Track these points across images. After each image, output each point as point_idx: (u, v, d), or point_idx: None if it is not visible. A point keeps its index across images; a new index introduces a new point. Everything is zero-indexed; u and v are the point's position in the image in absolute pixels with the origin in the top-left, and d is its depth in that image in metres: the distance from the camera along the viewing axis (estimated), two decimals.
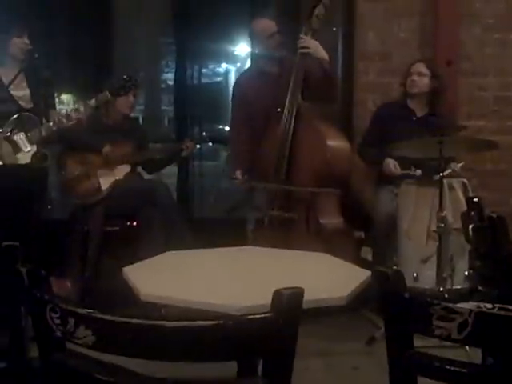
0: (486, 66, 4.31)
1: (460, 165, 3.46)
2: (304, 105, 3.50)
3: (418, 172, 3.47)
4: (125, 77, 3.66)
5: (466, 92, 4.30)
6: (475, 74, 4.32)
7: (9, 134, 3.48)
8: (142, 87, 3.96)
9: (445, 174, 3.15)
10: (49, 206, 3.57)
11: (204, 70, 5.69)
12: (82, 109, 3.54)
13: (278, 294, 1.10)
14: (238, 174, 3.73)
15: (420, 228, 3.25)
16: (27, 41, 3.59)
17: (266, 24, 3.73)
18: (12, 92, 3.57)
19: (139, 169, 4.11)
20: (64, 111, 3.64)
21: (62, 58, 5.04)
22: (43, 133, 3.51)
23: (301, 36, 3.47)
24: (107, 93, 3.56)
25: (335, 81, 3.73)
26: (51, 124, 3.51)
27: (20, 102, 3.59)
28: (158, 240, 3.53)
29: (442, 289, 3.09)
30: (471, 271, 3.01)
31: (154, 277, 2.07)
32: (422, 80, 3.77)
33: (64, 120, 3.50)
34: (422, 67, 3.79)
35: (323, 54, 3.48)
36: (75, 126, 3.56)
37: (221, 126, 6.69)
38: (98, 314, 1.13)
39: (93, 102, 3.55)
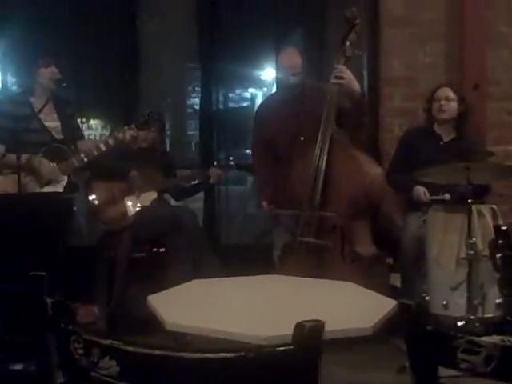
0: None
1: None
2: (338, 131, 3.49)
3: (447, 196, 3.44)
4: (149, 112, 3.76)
5: (494, 116, 4.26)
6: (503, 98, 4.28)
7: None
8: (165, 121, 4.02)
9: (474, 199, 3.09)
10: (76, 233, 3.63)
11: (230, 95, 5.73)
12: (110, 141, 3.63)
13: (299, 327, 1.10)
14: (265, 204, 3.76)
15: (449, 255, 3.20)
16: (55, 70, 3.68)
17: (292, 61, 3.69)
18: (45, 123, 3.67)
19: (166, 195, 4.15)
20: (93, 143, 3.72)
21: (89, 84, 5.13)
22: (76, 164, 3.60)
23: (336, 66, 3.45)
24: (133, 126, 3.66)
25: (364, 113, 3.70)
26: (82, 156, 3.60)
27: (53, 133, 3.68)
28: (185, 266, 3.55)
29: (472, 317, 3.03)
30: (502, 300, 2.96)
31: (178, 306, 2.07)
32: (449, 104, 3.74)
33: (94, 152, 3.60)
34: (449, 92, 3.76)
35: (356, 86, 3.47)
36: (103, 153, 3.64)
37: (247, 151, 6.70)
38: (121, 345, 1.14)
39: (120, 135, 3.66)
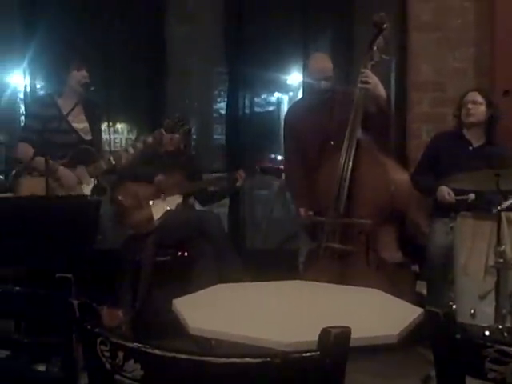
0: None
1: None
2: (364, 137, 3.47)
3: (472, 196, 3.38)
4: (177, 116, 3.79)
5: None
6: None
7: (66, 165, 3.60)
8: (191, 125, 4.07)
9: (504, 206, 3.05)
10: (100, 236, 3.66)
11: (256, 100, 5.72)
12: (139, 145, 3.66)
13: (325, 333, 1.09)
14: (303, 211, 3.70)
15: (477, 263, 3.15)
16: (86, 74, 3.72)
17: (323, 66, 3.69)
18: (73, 124, 3.71)
19: (191, 199, 4.16)
20: (123, 147, 3.77)
21: (116, 88, 5.18)
22: (104, 167, 3.63)
23: (362, 70, 3.44)
24: (162, 130, 3.69)
25: (389, 119, 3.67)
26: (111, 158, 3.63)
27: (81, 134, 3.72)
28: (209, 271, 3.55)
29: (500, 327, 2.97)
30: None
31: (203, 310, 2.07)
32: (477, 109, 3.69)
33: (124, 154, 3.63)
34: (476, 96, 3.71)
35: (382, 91, 3.45)
36: (131, 157, 3.67)
37: (273, 156, 6.69)
38: (147, 349, 1.14)
39: (150, 139, 3.70)
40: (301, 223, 3.76)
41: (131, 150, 3.66)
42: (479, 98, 3.70)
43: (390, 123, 3.73)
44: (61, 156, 3.60)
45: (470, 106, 3.70)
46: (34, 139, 3.63)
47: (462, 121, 3.76)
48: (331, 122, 3.60)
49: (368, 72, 3.41)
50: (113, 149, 5.19)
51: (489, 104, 3.70)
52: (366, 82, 3.39)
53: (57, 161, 3.54)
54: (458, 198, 3.46)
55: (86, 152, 3.65)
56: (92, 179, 3.64)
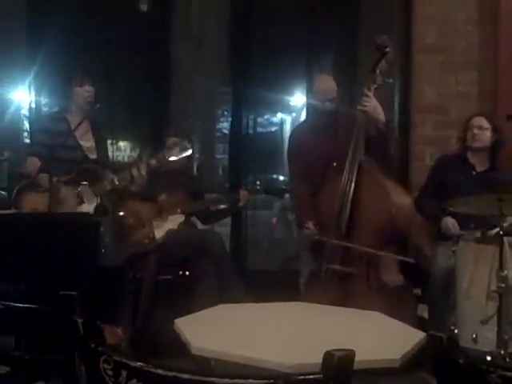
0: None
1: None
2: (366, 159, 3.47)
3: (477, 234, 3.39)
4: (183, 141, 3.84)
5: None
6: None
7: (71, 182, 3.60)
8: (194, 144, 4.08)
9: (504, 225, 3.04)
10: (103, 254, 3.65)
11: (259, 120, 5.74)
12: (143, 167, 3.67)
13: (329, 356, 1.08)
14: (311, 224, 3.62)
15: (479, 287, 3.14)
16: (89, 88, 3.74)
17: (328, 86, 3.71)
18: (79, 141, 3.72)
19: (193, 219, 4.16)
20: (126, 164, 3.77)
21: (121, 106, 5.21)
22: (107, 187, 3.64)
23: (366, 93, 3.44)
24: (165, 153, 3.71)
25: (388, 141, 3.66)
26: (116, 179, 3.63)
27: (86, 153, 3.73)
28: (211, 291, 3.54)
29: (502, 352, 2.95)
30: None
31: (205, 330, 2.07)
32: (483, 134, 3.70)
33: (128, 177, 3.64)
34: (482, 121, 3.72)
35: (380, 115, 3.45)
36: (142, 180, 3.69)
37: (275, 176, 6.70)
38: (149, 368, 1.13)
39: (153, 162, 3.72)
40: (306, 238, 3.72)
41: (135, 172, 3.66)
42: (485, 123, 3.71)
43: (389, 146, 3.72)
44: (67, 171, 3.61)
45: (476, 131, 3.71)
46: (42, 154, 3.64)
47: (467, 145, 3.77)
48: (335, 144, 3.60)
49: (369, 97, 3.41)
50: (115, 166, 5.23)
51: (494, 129, 3.71)
52: (364, 106, 3.40)
53: (62, 176, 3.55)
54: (463, 232, 3.47)
55: (91, 170, 3.67)
56: (95, 198, 3.64)
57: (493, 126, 3.72)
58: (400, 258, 3.35)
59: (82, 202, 3.64)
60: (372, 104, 3.41)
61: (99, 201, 3.61)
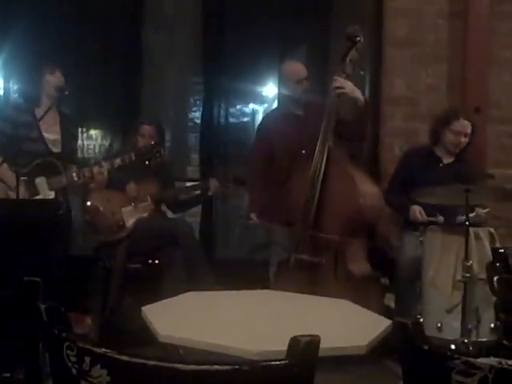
0: None
1: (485, 210, 3.41)
2: (335, 148, 3.46)
3: (441, 218, 3.45)
4: (152, 145, 3.78)
5: (494, 139, 4.28)
6: (504, 121, 4.31)
7: (28, 174, 3.52)
8: (158, 129, 4.01)
9: (470, 216, 3.09)
10: (72, 242, 3.61)
11: (231, 110, 5.72)
12: (105, 165, 3.59)
13: (294, 341, 1.09)
14: (253, 216, 3.73)
15: (445, 277, 3.19)
16: (60, 76, 3.67)
17: (297, 68, 3.74)
18: (44, 134, 3.64)
19: (163, 207, 4.13)
20: (88, 167, 3.66)
21: (91, 94, 5.14)
22: (65, 182, 3.57)
23: (334, 78, 3.43)
24: (132, 154, 3.65)
25: (367, 120, 3.61)
26: (74, 175, 3.56)
27: (49, 145, 3.65)
28: (180, 279, 3.54)
29: (466, 341, 3.01)
30: (497, 323, 2.94)
31: (172, 317, 2.06)
32: (466, 140, 3.69)
33: (87, 174, 3.56)
34: (468, 128, 3.67)
35: (358, 94, 3.43)
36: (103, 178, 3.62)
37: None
38: (114, 354, 1.12)
39: (118, 161, 3.63)
40: (248, 226, 3.78)
41: (96, 169, 3.59)
42: (469, 129, 3.67)
43: (367, 127, 3.66)
44: (24, 165, 3.52)
45: (463, 139, 3.67)
46: (2, 144, 3.57)
47: (443, 143, 3.73)
48: (304, 132, 3.61)
49: (340, 79, 3.41)
50: (86, 155, 5.15)
51: (472, 130, 3.69)
52: (340, 87, 3.37)
53: (19, 169, 3.44)
54: (429, 219, 3.51)
55: (49, 164, 3.58)
56: (51, 192, 3.56)
57: (473, 127, 3.68)
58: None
59: (36, 194, 3.55)
60: (349, 85, 3.39)
61: (53, 195, 3.54)
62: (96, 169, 3.58)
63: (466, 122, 3.68)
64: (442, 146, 3.77)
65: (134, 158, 3.66)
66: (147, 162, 3.77)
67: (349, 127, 3.44)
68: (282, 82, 3.90)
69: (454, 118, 3.68)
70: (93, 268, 3.79)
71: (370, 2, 4.60)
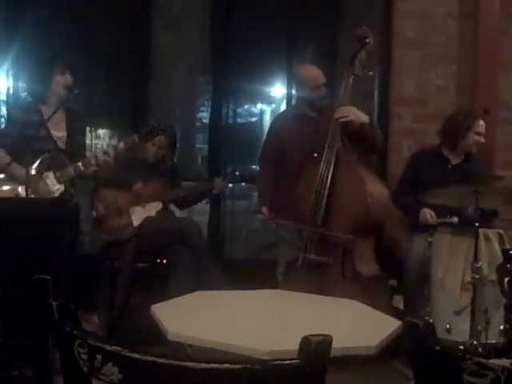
0: None
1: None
2: (343, 150, 3.47)
3: (455, 219, 3.41)
4: (153, 123, 3.75)
5: (503, 141, 4.26)
6: None
7: (36, 171, 3.53)
8: (169, 136, 3.97)
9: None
10: (80, 241, 3.61)
11: (239, 110, 5.73)
12: (110, 151, 3.60)
13: (305, 341, 1.08)
14: (265, 210, 3.75)
15: (454, 278, 3.18)
16: (70, 77, 3.68)
17: (316, 74, 3.72)
18: (52, 132, 3.65)
19: (171, 206, 4.13)
20: (93, 154, 3.68)
21: (99, 93, 5.15)
22: (72, 173, 3.58)
23: (336, 109, 3.42)
24: (135, 136, 3.64)
25: (376, 139, 3.60)
26: (80, 165, 3.57)
27: (58, 142, 3.66)
28: (187, 278, 3.53)
29: (475, 342, 3.00)
30: (507, 325, 2.92)
31: (181, 316, 2.06)
32: (482, 139, 3.69)
33: (93, 162, 3.57)
34: (482, 127, 3.68)
35: (363, 117, 3.44)
36: (109, 164, 3.63)
37: (254, 166, 6.69)
38: (125, 352, 1.12)
39: (121, 144, 3.63)
40: (258, 220, 3.78)
41: (101, 157, 3.60)
42: (484, 128, 3.68)
43: (376, 144, 3.64)
44: (31, 162, 3.53)
45: (482, 139, 3.66)
46: (11, 144, 3.58)
47: (462, 146, 3.70)
48: (316, 133, 3.61)
49: (342, 108, 3.40)
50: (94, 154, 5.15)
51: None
52: (345, 116, 3.37)
53: (28, 167, 3.45)
54: (441, 220, 3.49)
55: (55, 157, 3.59)
56: (60, 185, 3.58)
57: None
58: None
59: (45, 189, 3.54)
60: (352, 111, 3.39)
61: (63, 188, 3.55)
62: (101, 156, 3.59)
63: (483, 122, 3.70)
64: (459, 148, 3.72)
65: (137, 140, 3.65)
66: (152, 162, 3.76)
67: (357, 144, 3.46)
68: (298, 86, 3.91)
69: (475, 120, 3.68)
70: (100, 267, 3.80)
71: (379, 3, 4.59)
